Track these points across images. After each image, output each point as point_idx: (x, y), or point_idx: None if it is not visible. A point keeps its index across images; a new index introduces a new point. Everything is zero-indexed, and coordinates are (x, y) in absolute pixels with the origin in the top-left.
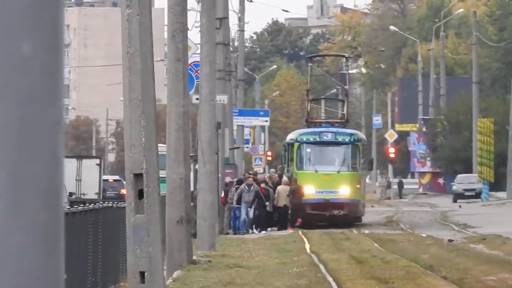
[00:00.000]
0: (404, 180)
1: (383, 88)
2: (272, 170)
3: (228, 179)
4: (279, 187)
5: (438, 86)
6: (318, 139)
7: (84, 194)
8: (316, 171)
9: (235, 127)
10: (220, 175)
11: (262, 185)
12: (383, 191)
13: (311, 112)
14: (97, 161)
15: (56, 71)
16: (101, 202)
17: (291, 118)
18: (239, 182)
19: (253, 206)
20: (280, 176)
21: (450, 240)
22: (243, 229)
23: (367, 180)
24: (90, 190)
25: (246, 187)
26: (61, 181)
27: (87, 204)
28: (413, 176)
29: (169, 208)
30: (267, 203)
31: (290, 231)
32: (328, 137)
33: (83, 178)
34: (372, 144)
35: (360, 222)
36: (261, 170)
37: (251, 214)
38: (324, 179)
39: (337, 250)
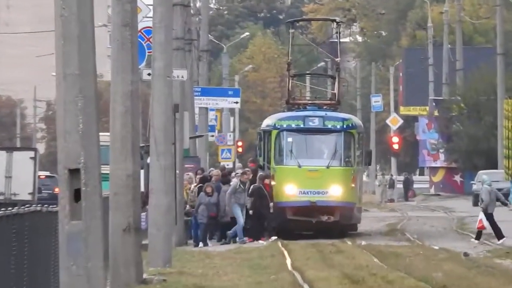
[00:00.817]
0: (411, 177)
1: (384, 61)
2: (239, 165)
3: (188, 176)
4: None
5: (454, 58)
6: (302, 126)
7: (15, 194)
8: (299, 166)
9: (197, 110)
10: (178, 171)
11: (267, 180)
12: (384, 192)
13: (292, 91)
14: (31, 153)
15: None
16: (35, 205)
17: (268, 99)
18: (204, 180)
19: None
20: (256, 170)
21: (466, 254)
22: (241, 239)
23: (364, 178)
24: (23, 189)
25: (241, 185)
26: None
27: (16, 207)
28: (422, 173)
29: (113, 213)
30: (270, 204)
31: (262, 242)
32: (315, 123)
33: (14, 174)
34: (370, 132)
35: (356, 230)
36: (230, 165)
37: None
38: (309, 177)
39: (326, 266)
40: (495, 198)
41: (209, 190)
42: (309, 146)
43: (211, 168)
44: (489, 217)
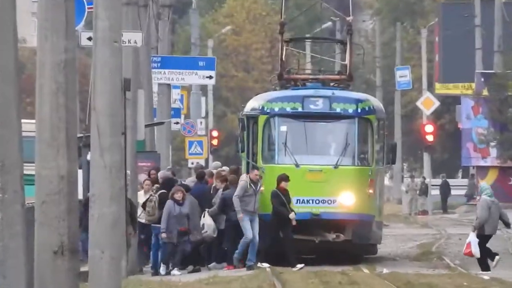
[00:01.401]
0: (451, 181)
1: (412, 20)
2: (217, 163)
3: (143, 178)
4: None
5: (510, 17)
6: (300, 110)
7: None
8: (297, 166)
9: (155, 88)
10: (129, 172)
11: (284, 183)
12: (414, 201)
13: (287, 62)
14: None
15: None
16: None
17: (254, 72)
18: (167, 184)
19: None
20: (235, 172)
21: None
22: (252, 261)
23: (386, 181)
24: None
25: (252, 185)
26: None
27: None
28: (466, 175)
29: (41, 228)
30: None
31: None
32: (318, 105)
33: None
34: (394, 119)
35: (375, 254)
36: (202, 162)
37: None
38: (311, 180)
39: None
40: (497, 215)
41: (179, 196)
42: (310, 137)
43: (168, 168)
44: (483, 240)
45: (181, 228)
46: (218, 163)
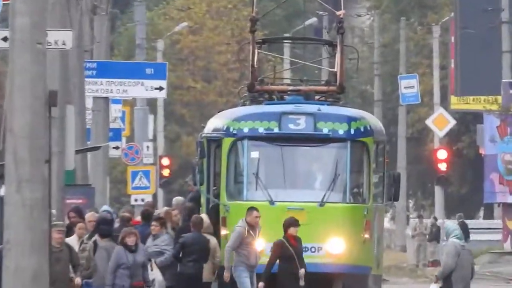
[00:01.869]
0: (470, 223)
1: (421, 16)
2: (179, 198)
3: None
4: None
5: None
6: (277, 130)
7: None
8: (271, 203)
9: (89, 103)
10: (54, 211)
11: (292, 229)
12: (422, 248)
13: (261, 69)
14: None
15: None
16: None
17: (217, 82)
18: (104, 225)
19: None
20: (191, 212)
21: None
22: None
23: (387, 223)
24: None
25: (251, 232)
26: None
27: None
28: (490, 215)
29: None
30: None
31: None
32: (300, 125)
33: None
34: (398, 142)
35: None
36: (149, 199)
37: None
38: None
39: None
40: (468, 264)
41: (132, 241)
42: (289, 167)
43: (104, 207)
44: None
45: (136, 283)
46: (180, 198)
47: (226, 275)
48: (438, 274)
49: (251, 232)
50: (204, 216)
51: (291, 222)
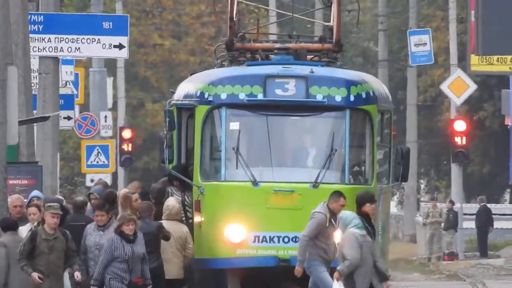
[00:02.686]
0: (494, 208)
1: None
2: (135, 183)
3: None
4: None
5: None
6: (261, 97)
7: None
8: (255, 184)
9: (35, 65)
10: None
11: (367, 207)
12: (436, 237)
13: (241, 23)
14: None
15: None
16: None
17: (188, 38)
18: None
19: None
20: (160, 195)
21: None
22: None
23: (393, 208)
24: None
25: (332, 219)
26: None
27: None
28: None
29: None
30: None
31: None
32: (289, 90)
33: None
34: (406, 111)
35: None
36: (108, 179)
37: None
38: (277, 206)
39: None
40: (370, 258)
41: (131, 229)
42: (276, 140)
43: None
44: None
45: (136, 279)
46: (135, 183)
47: (299, 269)
48: (341, 269)
49: (332, 220)
50: (172, 200)
51: (367, 197)
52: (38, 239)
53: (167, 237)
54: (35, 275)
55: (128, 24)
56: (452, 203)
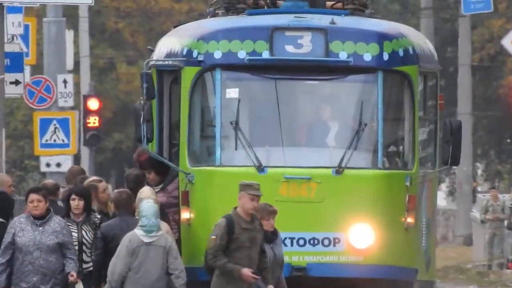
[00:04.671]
0: None
1: None
2: (74, 167)
3: None
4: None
5: None
6: (267, 55)
7: None
8: (260, 170)
9: None
10: None
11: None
12: (499, 239)
13: None
14: None
15: None
16: None
17: None
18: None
19: None
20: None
21: None
22: None
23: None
24: None
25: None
26: None
27: None
28: None
29: None
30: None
31: None
32: (304, 46)
33: None
34: (458, 74)
35: None
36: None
37: None
38: (289, 197)
39: None
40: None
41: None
42: (286, 112)
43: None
44: None
45: None
46: (75, 167)
47: None
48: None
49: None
50: (147, 190)
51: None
52: None
53: None
54: None
55: None
56: None
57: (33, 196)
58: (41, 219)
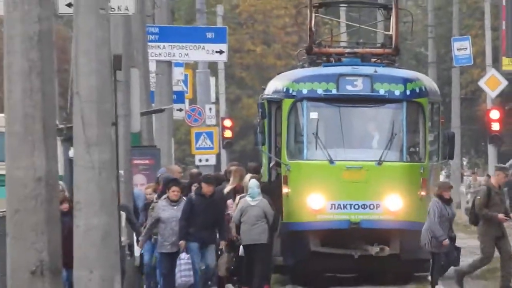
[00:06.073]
0: None
1: None
2: (172, 167)
3: (139, 179)
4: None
5: None
6: (335, 91)
7: None
8: (331, 162)
9: (153, 67)
10: (122, 172)
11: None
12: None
13: (318, 31)
14: None
15: None
16: None
17: (275, 45)
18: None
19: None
20: (256, 171)
21: None
22: None
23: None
24: None
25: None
26: None
27: None
28: None
29: (13, 243)
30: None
31: None
32: (357, 86)
33: None
34: (452, 103)
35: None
36: (212, 160)
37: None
38: (348, 179)
39: None
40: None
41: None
42: (347, 126)
43: (161, 170)
44: None
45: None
46: (175, 166)
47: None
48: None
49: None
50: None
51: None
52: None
53: None
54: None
55: (227, 34)
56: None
57: (174, 188)
58: (175, 202)
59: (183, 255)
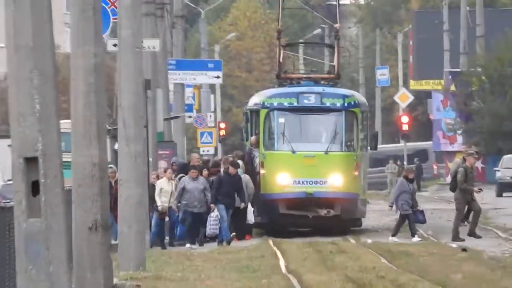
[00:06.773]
0: (423, 165)
1: (390, 27)
2: (194, 154)
3: (162, 164)
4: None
5: (473, 23)
6: (295, 104)
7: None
8: (293, 152)
9: (171, 87)
10: (151, 159)
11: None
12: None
13: (284, 63)
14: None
15: None
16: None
17: (255, 72)
18: (182, 168)
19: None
20: (242, 158)
21: (464, 250)
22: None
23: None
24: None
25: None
26: None
27: None
28: (439, 159)
29: (77, 208)
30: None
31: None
32: (311, 100)
33: None
34: (376, 111)
35: (360, 226)
36: (211, 151)
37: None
38: (305, 164)
39: (326, 268)
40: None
41: (194, 174)
42: (304, 128)
43: (174, 158)
44: None
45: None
46: (195, 154)
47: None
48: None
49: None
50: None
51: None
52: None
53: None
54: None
55: (222, 64)
56: (400, 162)
57: (193, 170)
58: (195, 178)
59: (213, 214)
